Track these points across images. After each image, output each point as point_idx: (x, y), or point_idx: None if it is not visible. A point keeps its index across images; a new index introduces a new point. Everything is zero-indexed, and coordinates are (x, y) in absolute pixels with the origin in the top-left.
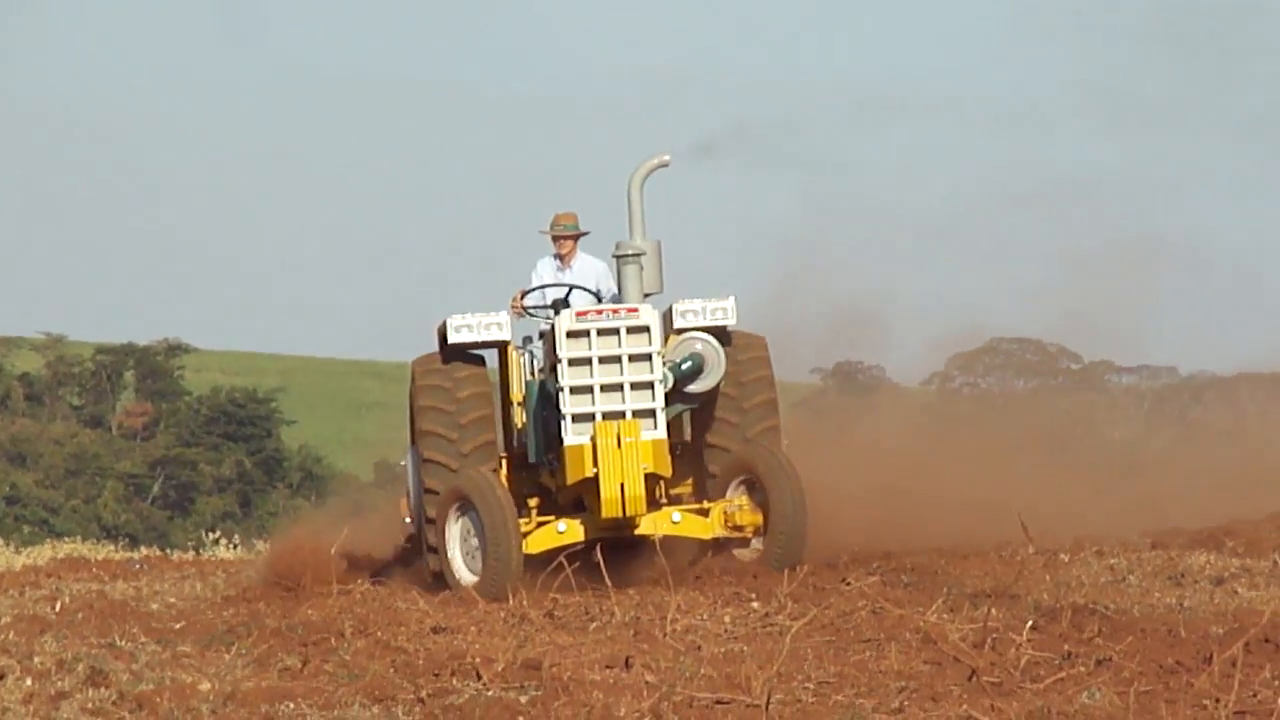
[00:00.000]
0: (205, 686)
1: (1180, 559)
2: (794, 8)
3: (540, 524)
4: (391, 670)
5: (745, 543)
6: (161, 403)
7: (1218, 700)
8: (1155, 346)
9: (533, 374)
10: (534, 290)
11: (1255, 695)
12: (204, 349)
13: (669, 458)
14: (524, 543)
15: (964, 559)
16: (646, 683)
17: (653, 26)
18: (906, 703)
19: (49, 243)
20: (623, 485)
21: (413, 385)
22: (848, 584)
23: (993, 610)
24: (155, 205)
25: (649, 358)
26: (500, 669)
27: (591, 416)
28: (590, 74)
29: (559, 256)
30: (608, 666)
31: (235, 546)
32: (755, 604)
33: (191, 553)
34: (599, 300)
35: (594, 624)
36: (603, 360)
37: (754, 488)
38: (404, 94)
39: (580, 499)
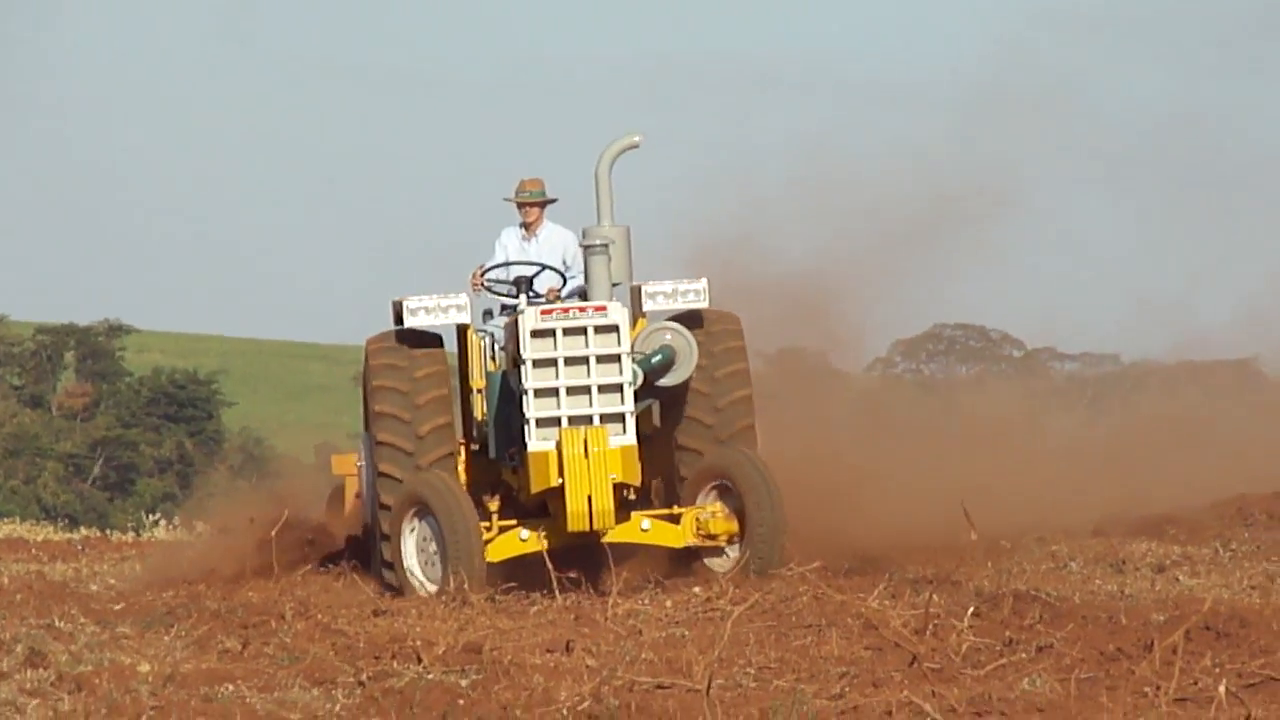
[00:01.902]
0: (145, 668)
1: (1121, 546)
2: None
3: (502, 529)
4: (332, 653)
5: (718, 551)
6: (102, 383)
7: (1158, 687)
8: (1098, 334)
9: (494, 357)
10: (496, 267)
11: (1196, 683)
12: (145, 330)
13: (638, 465)
14: (486, 549)
15: (906, 545)
16: (587, 666)
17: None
18: (848, 688)
19: None
20: (590, 498)
21: (365, 365)
22: (789, 570)
23: (934, 596)
24: (98, 184)
25: (618, 359)
26: (441, 652)
27: (557, 421)
28: (538, 60)
29: (524, 226)
30: (548, 650)
31: (175, 528)
32: (697, 589)
33: (131, 534)
34: (564, 279)
35: (535, 608)
36: (569, 361)
37: (728, 494)
38: (351, 71)
39: (541, 502)
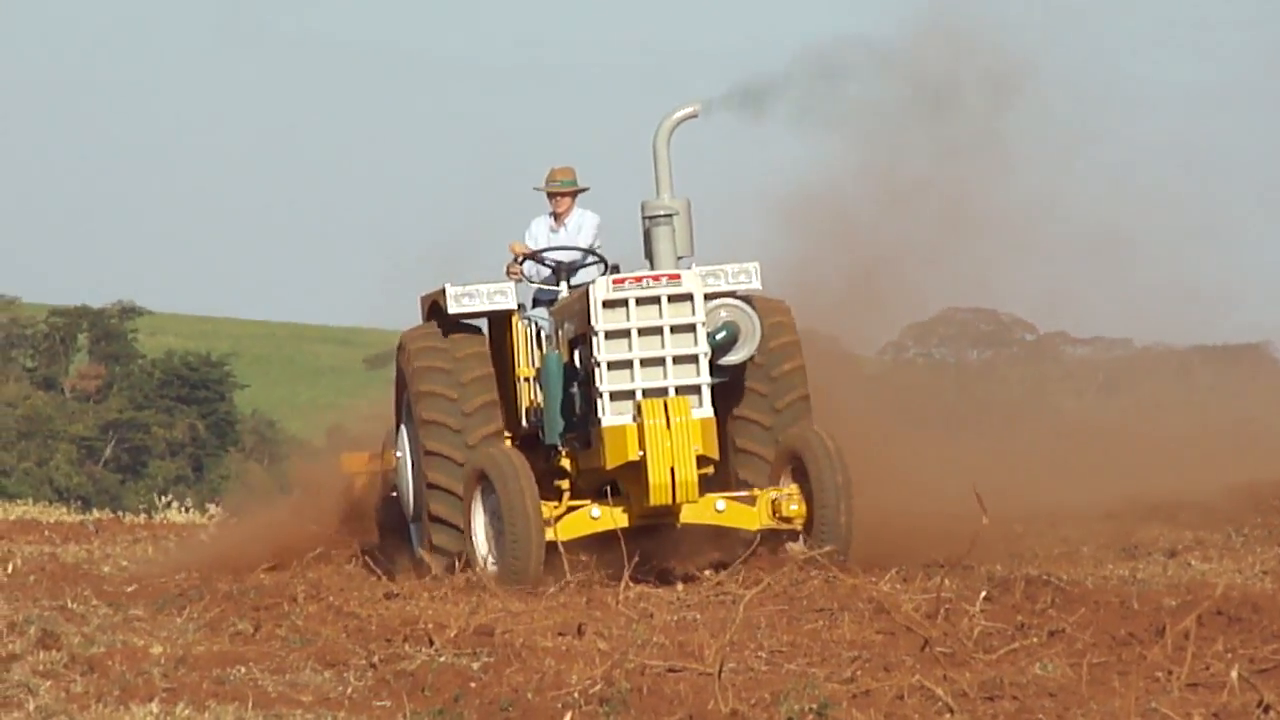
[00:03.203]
0: (157, 650)
1: (1134, 531)
2: None
3: (571, 508)
4: (344, 635)
5: (795, 535)
6: (115, 366)
7: (1170, 672)
8: (1109, 318)
9: (539, 346)
10: (537, 254)
11: (1208, 668)
12: (158, 312)
13: (716, 438)
14: (554, 528)
15: (918, 530)
16: (599, 650)
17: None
18: (859, 672)
19: (3, 205)
20: (673, 469)
21: (401, 356)
22: (802, 553)
23: (946, 581)
24: (111, 167)
25: (693, 329)
26: (453, 635)
27: (632, 394)
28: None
29: (554, 215)
30: (560, 633)
31: (187, 510)
32: (708, 571)
33: (143, 516)
34: (606, 265)
35: (547, 590)
36: (642, 332)
37: (802, 475)
38: (366, 57)
39: (605, 484)
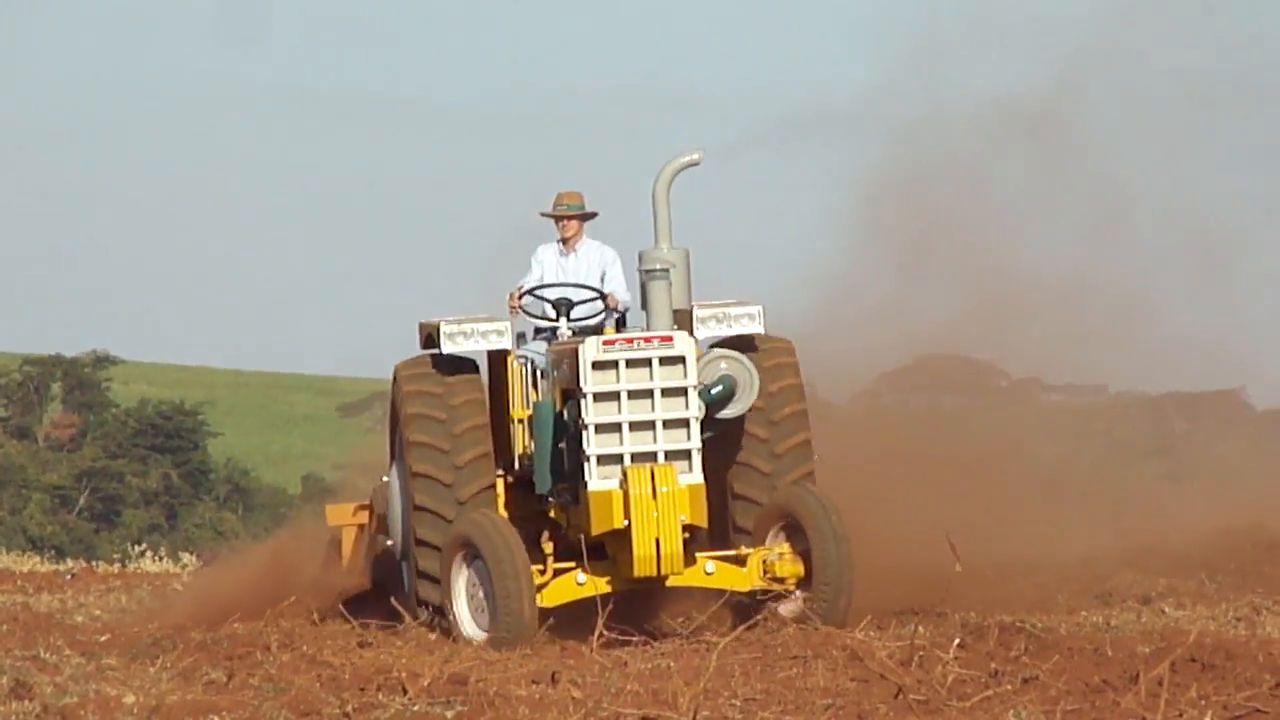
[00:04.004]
0: (130, 699)
1: (1108, 577)
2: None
3: (557, 573)
4: (317, 684)
5: (787, 595)
6: (89, 414)
7: (1144, 719)
8: (1083, 365)
9: (534, 385)
10: (538, 289)
11: (1181, 715)
12: (132, 361)
13: (705, 505)
14: (540, 595)
15: (892, 576)
16: (573, 698)
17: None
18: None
19: None
20: (658, 540)
21: (396, 391)
22: (775, 601)
23: (919, 628)
24: (84, 215)
25: (684, 392)
26: (426, 684)
27: (619, 458)
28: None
29: (563, 241)
30: (534, 682)
31: (161, 559)
32: (681, 619)
33: (117, 565)
34: (602, 298)
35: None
36: (632, 395)
37: (796, 534)
38: (342, 100)
39: (594, 543)
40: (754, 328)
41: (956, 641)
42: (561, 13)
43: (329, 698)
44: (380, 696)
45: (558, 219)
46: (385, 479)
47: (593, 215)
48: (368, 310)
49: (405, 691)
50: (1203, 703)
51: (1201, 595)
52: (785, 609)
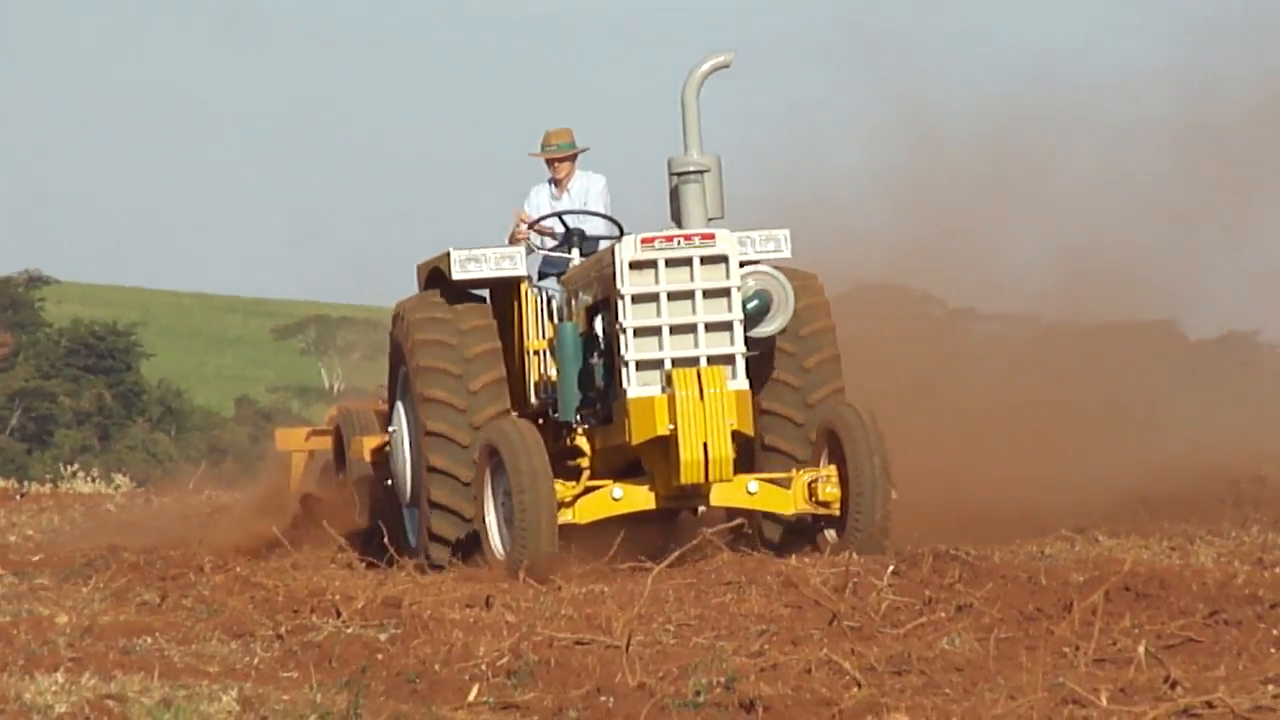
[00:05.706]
0: (62, 619)
1: (1042, 506)
2: None
3: (589, 489)
4: (250, 606)
5: (833, 521)
6: (21, 334)
7: (1077, 648)
8: (1016, 295)
9: (551, 317)
10: (549, 217)
11: (1115, 643)
12: (65, 281)
13: (752, 413)
14: (571, 510)
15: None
16: (507, 622)
17: None
18: (767, 645)
19: None
20: (706, 445)
21: (399, 327)
22: (710, 528)
23: (854, 555)
24: (16, 134)
25: (727, 293)
26: (360, 606)
27: (660, 363)
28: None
29: (554, 181)
30: (468, 605)
31: (94, 480)
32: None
33: (49, 485)
34: (620, 229)
35: (455, 563)
36: (672, 296)
37: (841, 456)
38: (285, 17)
39: (625, 466)
40: (782, 253)
41: (890, 569)
42: None
43: (262, 619)
44: (314, 619)
45: (549, 161)
46: (392, 429)
47: (583, 150)
48: (305, 235)
49: (339, 614)
50: (1136, 631)
51: (1136, 524)
52: (833, 534)
